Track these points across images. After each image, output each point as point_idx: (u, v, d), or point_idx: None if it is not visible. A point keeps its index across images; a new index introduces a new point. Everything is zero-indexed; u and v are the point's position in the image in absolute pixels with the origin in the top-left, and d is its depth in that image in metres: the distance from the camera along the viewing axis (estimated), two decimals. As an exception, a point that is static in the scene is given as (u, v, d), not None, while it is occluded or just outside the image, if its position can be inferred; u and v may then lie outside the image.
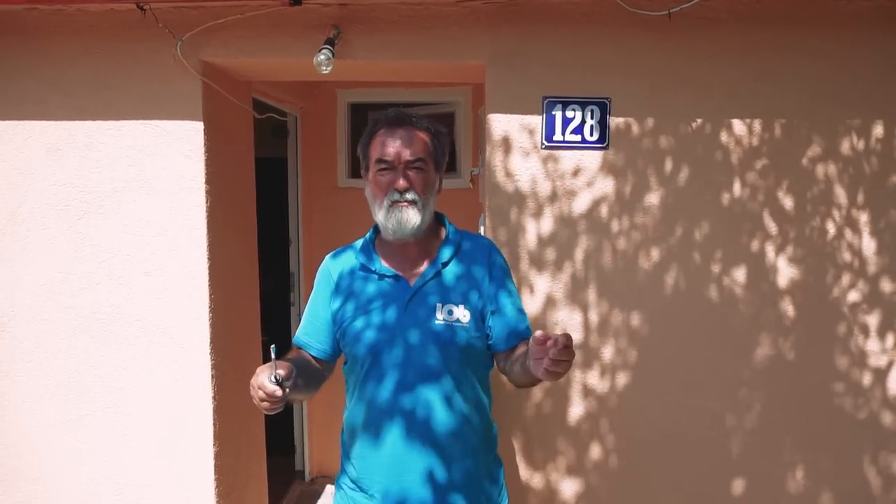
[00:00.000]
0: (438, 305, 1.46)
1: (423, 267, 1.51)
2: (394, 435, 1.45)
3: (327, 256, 1.63)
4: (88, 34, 2.14)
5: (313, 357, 1.58)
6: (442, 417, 1.44)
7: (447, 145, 1.56)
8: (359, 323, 1.49)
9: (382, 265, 1.52)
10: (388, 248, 1.53)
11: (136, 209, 2.18)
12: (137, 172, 2.17)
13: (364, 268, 1.53)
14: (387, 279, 1.50)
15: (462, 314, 1.47)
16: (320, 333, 1.57)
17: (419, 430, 1.44)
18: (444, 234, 1.57)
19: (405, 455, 1.44)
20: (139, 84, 2.14)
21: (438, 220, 1.59)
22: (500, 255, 1.61)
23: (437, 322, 1.45)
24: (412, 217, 1.44)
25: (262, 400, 1.26)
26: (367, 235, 1.59)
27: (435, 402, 1.44)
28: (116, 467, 2.26)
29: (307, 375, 1.48)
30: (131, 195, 2.18)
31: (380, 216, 1.48)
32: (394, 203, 1.45)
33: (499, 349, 1.53)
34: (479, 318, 1.48)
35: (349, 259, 1.58)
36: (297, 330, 1.62)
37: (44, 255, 2.22)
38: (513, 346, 1.53)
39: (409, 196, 1.45)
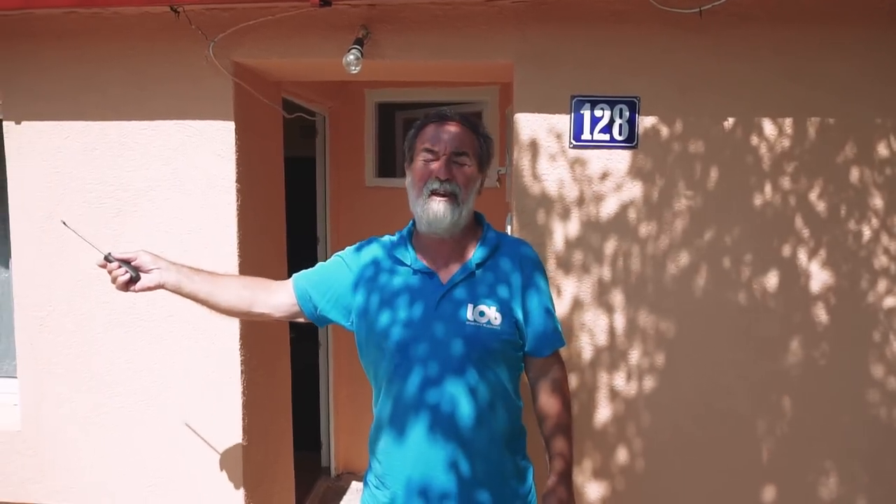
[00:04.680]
0: (470, 306, 1.46)
1: (458, 265, 1.50)
2: (418, 429, 1.44)
3: (364, 241, 1.63)
4: (124, 36, 2.19)
5: (295, 298, 1.58)
6: (466, 410, 1.44)
7: (493, 149, 1.56)
8: (386, 318, 1.48)
9: (417, 259, 1.51)
10: (424, 243, 1.53)
11: (168, 207, 2.23)
12: (170, 171, 2.22)
13: (397, 261, 1.53)
14: (419, 274, 1.50)
15: (494, 315, 1.45)
16: (318, 289, 1.57)
17: (443, 423, 1.43)
18: (481, 234, 1.56)
19: (428, 447, 1.44)
20: (172, 85, 2.19)
21: (477, 220, 1.58)
22: (534, 253, 1.59)
23: (467, 322, 1.44)
24: (449, 211, 1.44)
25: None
26: (406, 228, 1.59)
27: (459, 396, 1.43)
28: (149, 459, 2.31)
29: (201, 279, 1.55)
30: (164, 193, 2.23)
31: (417, 207, 1.48)
32: (432, 193, 1.44)
33: (528, 353, 1.53)
34: (511, 319, 1.47)
35: (383, 249, 1.58)
36: (302, 272, 1.62)
37: (80, 251, 2.27)
38: (543, 354, 1.53)
39: (449, 187, 1.44)
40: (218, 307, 1.58)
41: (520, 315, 1.49)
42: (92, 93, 2.22)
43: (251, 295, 1.58)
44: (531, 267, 1.54)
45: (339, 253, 1.63)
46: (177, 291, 1.54)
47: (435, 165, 1.45)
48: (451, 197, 1.44)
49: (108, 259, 1.48)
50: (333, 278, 1.58)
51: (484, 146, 1.53)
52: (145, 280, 1.50)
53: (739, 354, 2.06)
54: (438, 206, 1.44)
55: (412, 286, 1.49)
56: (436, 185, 1.44)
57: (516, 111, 2.08)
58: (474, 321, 1.44)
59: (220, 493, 2.29)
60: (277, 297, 1.60)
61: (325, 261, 1.66)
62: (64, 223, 1.69)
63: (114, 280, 1.48)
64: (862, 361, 2.03)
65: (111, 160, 2.23)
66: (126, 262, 1.49)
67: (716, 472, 2.10)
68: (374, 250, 1.59)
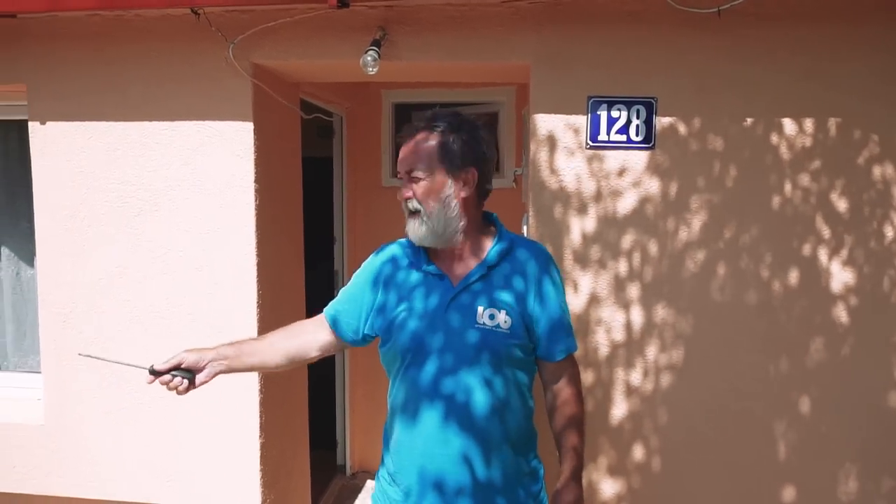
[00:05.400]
0: (480, 309, 1.45)
1: (469, 268, 1.50)
2: (431, 418, 1.45)
3: (377, 250, 1.66)
4: (145, 38, 2.22)
5: (334, 333, 1.61)
6: (479, 404, 1.44)
7: (473, 141, 1.49)
8: (402, 317, 1.50)
9: (429, 263, 1.53)
10: (433, 248, 1.54)
11: (188, 207, 2.26)
12: (190, 171, 2.25)
13: (411, 264, 1.55)
14: (431, 277, 1.51)
15: (503, 319, 1.45)
16: (350, 314, 1.59)
17: (456, 415, 1.44)
18: (493, 236, 1.54)
19: (441, 437, 1.44)
20: (192, 85, 2.22)
21: (488, 219, 1.57)
22: (549, 256, 1.57)
23: (477, 325, 1.45)
24: (416, 228, 1.48)
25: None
26: None
27: (473, 389, 1.44)
28: (167, 455, 2.34)
29: (261, 350, 1.60)
30: (184, 193, 2.26)
31: None
32: (408, 213, 1.50)
33: (540, 357, 1.52)
34: (521, 322, 1.46)
35: (396, 254, 1.59)
36: (330, 304, 1.65)
37: (103, 250, 2.31)
38: (555, 359, 1.52)
39: (411, 206, 1.48)
40: (278, 369, 1.63)
41: (531, 319, 1.48)
42: (114, 94, 2.26)
43: (298, 345, 1.62)
44: (545, 271, 1.52)
45: (357, 271, 1.66)
46: (230, 372, 1.57)
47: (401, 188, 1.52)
48: (416, 214, 1.48)
49: (154, 373, 1.47)
50: (359, 297, 1.60)
51: (450, 144, 1.46)
52: (201, 378, 1.52)
53: (757, 355, 2.04)
54: (410, 224, 1.49)
55: (425, 289, 1.51)
56: (403, 207, 1.51)
57: (533, 112, 2.08)
58: (483, 324, 1.44)
59: (238, 490, 2.32)
60: (322, 337, 1.63)
61: (350, 277, 1.69)
62: (88, 356, 1.63)
63: (172, 389, 1.49)
64: (884, 363, 2.00)
65: (132, 160, 2.27)
66: (175, 368, 1.49)
67: (733, 473, 2.08)
68: (390, 251, 1.61)
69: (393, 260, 1.59)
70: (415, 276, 1.53)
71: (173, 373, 1.48)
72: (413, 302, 1.50)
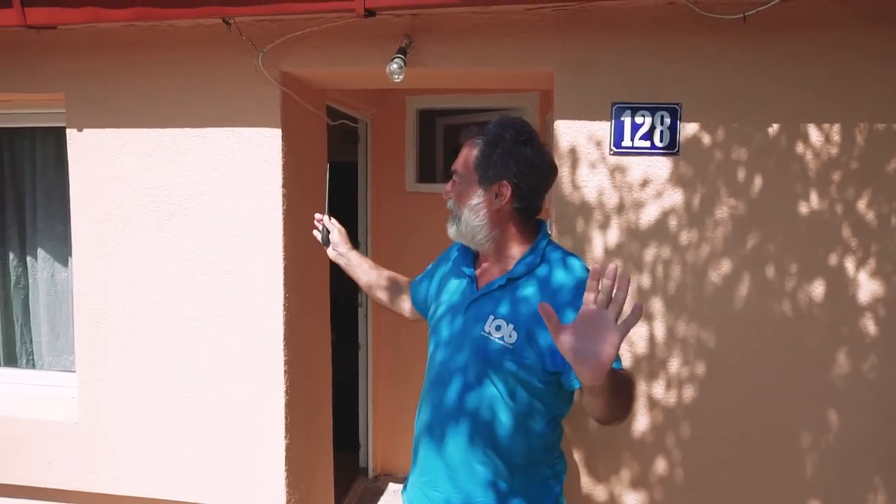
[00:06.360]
0: (490, 317, 1.43)
1: (496, 275, 1.50)
2: (427, 413, 1.52)
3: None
4: (178, 48, 2.28)
5: (416, 306, 1.80)
6: (472, 406, 1.43)
7: (509, 156, 1.41)
8: (434, 309, 1.60)
9: (469, 264, 1.56)
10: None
11: (217, 212, 2.31)
12: (220, 177, 2.30)
13: (459, 262, 1.61)
14: (465, 278, 1.55)
15: (508, 333, 1.39)
16: (423, 289, 1.76)
17: (449, 417, 1.47)
18: (530, 247, 1.48)
19: (431, 433, 1.48)
20: (223, 93, 2.27)
21: (538, 229, 1.52)
22: (585, 275, 1.41)
23: (482, 334, 1.42)
24: (449, 225, 1.54)
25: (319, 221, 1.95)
26: None
27: (470, 393, 1.44)
28: (196, 454, 2.39)
29: (368, 273, 1.90)
30: (214, 198, 2.31)
31: None
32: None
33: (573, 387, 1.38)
34: (525, 343, 1.38)
35: (454, 252, 1.68)
36: (416, 277, 1.84)
37: (135, 253, 2.38)
38: (573, 386, 1.37)
39: (449, 204, 1.54)
40: (368, 293, 1.95)
41: (545, 340, 1.35)
42: (147, 101, 2.32)
43: (391, 294, 1.88)
44: (573, 292, 1.37)
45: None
46: (345, 270, 1.93)
47: None
48: (451, 212, 1.53)
49: (327, 215, 1.95)
50: (428, 278, 1.74)
51: (486, 153, 1.43)
52: (329, 253, 1.93)
53: (783, 365, 2.02)
54: (449, 220, 1.55)
55: (458, 289, 1.57)
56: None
57: (556, 118, 2.09)
58: (489, 333, 1.41)
59: (263, 489, 2.36)
60: (406, 303, 1.85)
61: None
62: (329, 168, 2.09)
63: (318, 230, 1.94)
64: (913, 375, 1.97)
65: (165, 166, 2.33)
66: (328, 232, 1.93)
67: (758, 485, 2.06)
68: (454, 246, 1.69)
69: (451, 255, 1.69)
70: (454, 274, 1.60)
71: (327, 228, 1.93)
72: (442, 297, 1.58)
